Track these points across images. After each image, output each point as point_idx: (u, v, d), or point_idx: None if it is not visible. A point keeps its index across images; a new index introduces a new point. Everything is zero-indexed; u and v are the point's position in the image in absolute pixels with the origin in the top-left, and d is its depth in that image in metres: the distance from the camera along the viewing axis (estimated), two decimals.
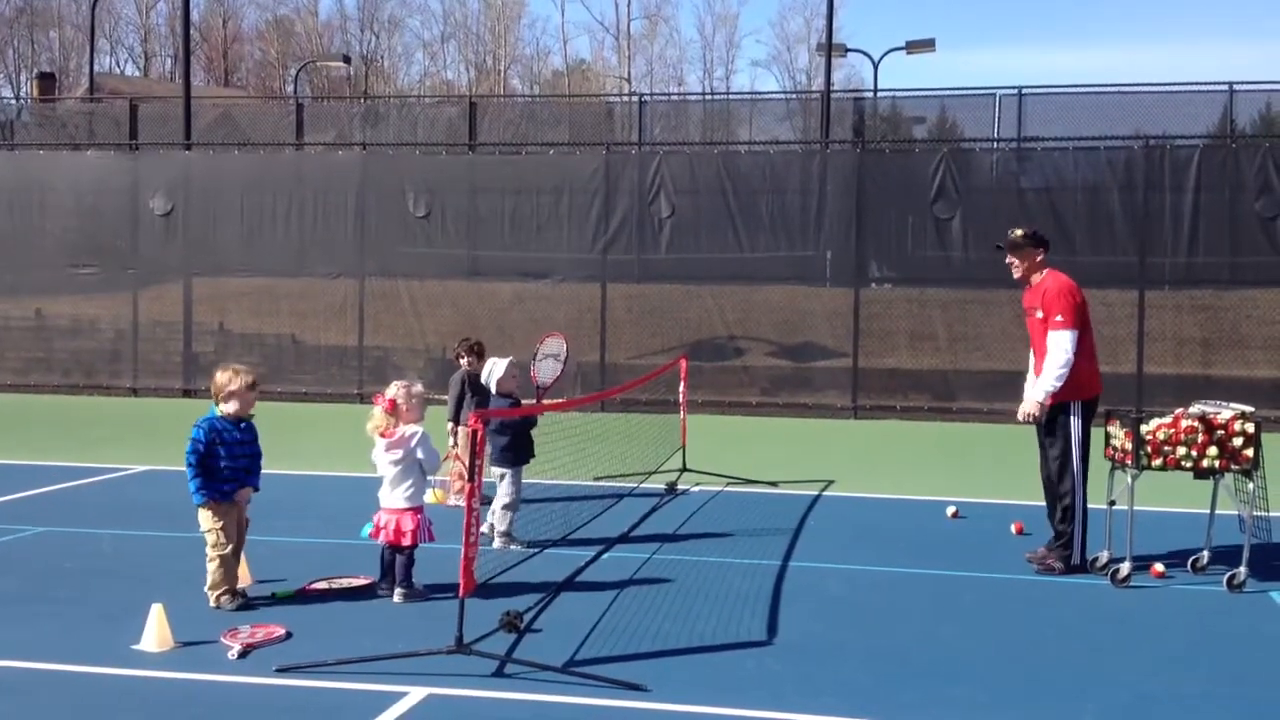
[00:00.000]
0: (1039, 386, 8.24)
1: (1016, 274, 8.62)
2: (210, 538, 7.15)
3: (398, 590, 7.37)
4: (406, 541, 7.32)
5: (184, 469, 7.14)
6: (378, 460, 7.44)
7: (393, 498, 7.41)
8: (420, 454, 7.38)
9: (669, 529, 9.68)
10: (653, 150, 19.67)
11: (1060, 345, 8.15)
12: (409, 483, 7.38)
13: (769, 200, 18.55)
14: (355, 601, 7.36)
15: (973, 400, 17.57)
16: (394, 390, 7.46)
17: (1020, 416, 8.32)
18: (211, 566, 7.12)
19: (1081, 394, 8.26)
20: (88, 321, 20.77)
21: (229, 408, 7.25)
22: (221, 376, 7.30)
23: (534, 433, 8.93)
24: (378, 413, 7.40)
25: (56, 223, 20.60)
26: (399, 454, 7.36)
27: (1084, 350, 8.26)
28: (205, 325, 20.44)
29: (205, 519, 7.17)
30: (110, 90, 40.80)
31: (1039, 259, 8.53)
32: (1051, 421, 8.29)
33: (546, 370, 9.54)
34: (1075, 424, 8.24)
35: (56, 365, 20.65)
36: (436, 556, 7.76)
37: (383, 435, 7.39)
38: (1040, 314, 8.33)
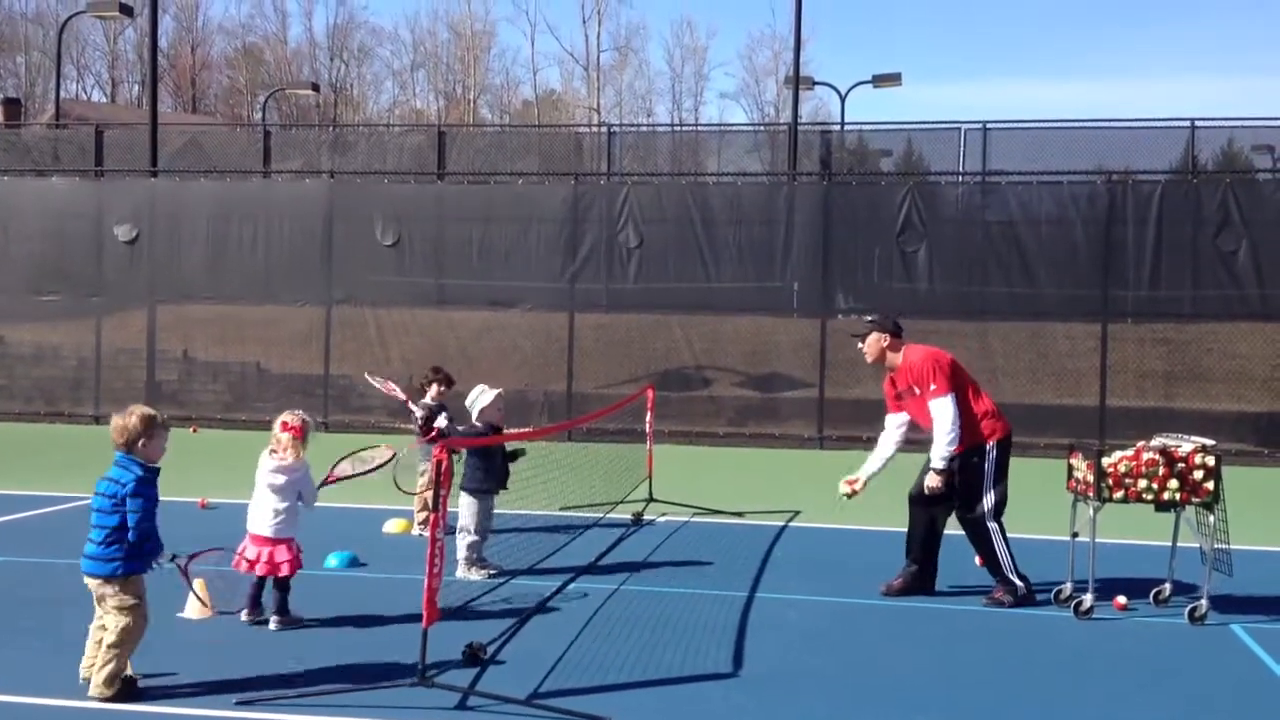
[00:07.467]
0: (933, 458, 8.24)
1: (869, 359, 8.66)
2: (129, 618, 5.90)
3: (275, 619, 7.37)
4: (284, 572, 7.35)
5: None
6: (259, 478, 7.45)
7: (261, 524, 7.39)
8: (300, 488, 7.43)
9: (635, 560, 9.66)
10: (621, 180, 19.74)
11: (942, 412, 8.18)
12: (283, 509, 7.38)
13: (736, 231, 18.62)
14: (315, 632, 7.30)
15: None
16: (294, 419, 7.52)
17: (925, 491, 8.33)
18: (116, 653, 5.90)
19: (984, 439, 8.26)
20: (51, 348, 20.58)
21: (153, 450, 6.07)
22: (134, 418, 6.00)
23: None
24: (285, 438, 7.44)
25: (20, 249, 20.44)
26: (281, 480, 7.38)
27: (974, 400, 8.30)
28: (169, 353, 20.30)
29: (130, 592, 5.95)
30: (76, 116, 40.65)
31: (885, 344, 8.55)
32: (964, 467, 8.29)
33: None
34: (988, 467, 8.26)
35: (18, 393, 20.44)
36: (399, 587, 7.70)
37: (273, 452, 7.43)
38: (918, 390, 8.35)
